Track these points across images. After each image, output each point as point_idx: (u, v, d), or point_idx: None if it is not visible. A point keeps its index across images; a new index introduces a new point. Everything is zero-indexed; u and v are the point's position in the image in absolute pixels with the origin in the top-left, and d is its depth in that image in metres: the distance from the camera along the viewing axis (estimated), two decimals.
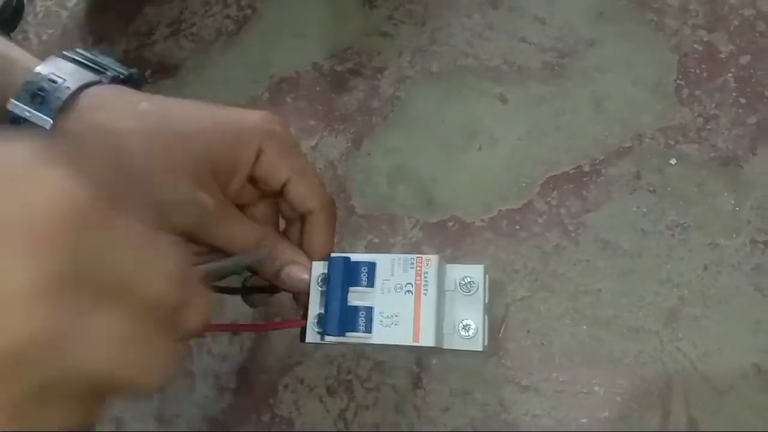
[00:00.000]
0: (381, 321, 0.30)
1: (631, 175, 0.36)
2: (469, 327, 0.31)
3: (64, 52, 0.32)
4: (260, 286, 0.35)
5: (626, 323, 0.33)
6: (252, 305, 0.36)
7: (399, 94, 0.41)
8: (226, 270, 0.32)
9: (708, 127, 0.36)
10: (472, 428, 0.33)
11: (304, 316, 0.33)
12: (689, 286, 0.33)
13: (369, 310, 0.30)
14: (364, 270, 0.31)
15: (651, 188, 0.35)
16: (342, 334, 0.30)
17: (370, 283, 0.31)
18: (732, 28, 0.37)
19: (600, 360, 0.33)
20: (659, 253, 0.34)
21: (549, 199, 0.36)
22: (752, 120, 0.35)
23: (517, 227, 0.36)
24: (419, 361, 0.35)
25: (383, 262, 0.31)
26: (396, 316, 0.30)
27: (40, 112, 0.30)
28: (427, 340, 0.29)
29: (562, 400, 0.33)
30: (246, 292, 0.38)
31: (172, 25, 0.47)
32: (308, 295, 0.32)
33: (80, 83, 0.30)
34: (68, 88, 0.30)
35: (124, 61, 0.34)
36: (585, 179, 0.36)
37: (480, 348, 0.31)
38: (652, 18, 0.39)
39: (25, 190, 0.16)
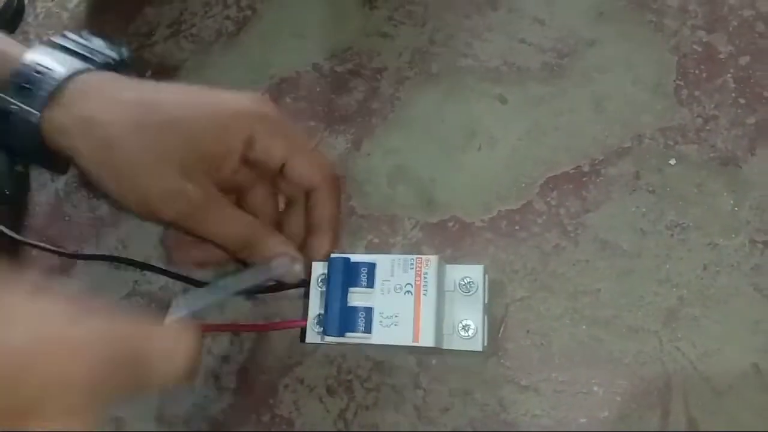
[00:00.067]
0: (381, 321, 0.30)
1: (630, 175, 0.36)
2: (468, 327, 0.31)
3: (53, 39, 0.32)
4: (263, 286, 0.35)
5: (625, 323, 0.33)
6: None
7: (399, 94, 0.41)
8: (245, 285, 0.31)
9: (707, 127, 0.36)
10: (472, 428, 0.33)
11: (305, 316, 0.33)
12: (688, 286, 0.33)
13: (369, 311, 0.30)
14: (363, 270, 0.31)
15: (650, 188, 0.35)
16: (342, 334, 0.30)
17: (370, 284, 0.31)
18: (731, 28, 0.37)
19: (599, 360, 0.33)
20: (658, 253, 0.34)
21: (548, 199, 0.36)
22: (751, 120, 0.36)
23: (517, 227, 0.36)
24: (419, 361, 0.35)
25: (383, 262, 0.31)
26: (396, 316, 0.30)
27: (27, 105, 0.29)
28: (426, 340, 0.30)
29: (562, 400, 0.33)
30: (247, 292, 0.38)
31: (172, 26, 0.47)
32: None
33: (67, 73, 0.30)
34: (54, 79, 0.29)
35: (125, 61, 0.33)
36: (584, 179, 0.36)
37: (479, 348, 0.31)
38: (651, 18, 0.39)
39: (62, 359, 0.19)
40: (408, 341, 0.30)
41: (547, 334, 0.34)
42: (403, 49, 0.42)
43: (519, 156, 0.38)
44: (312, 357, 0.37)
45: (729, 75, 0.37)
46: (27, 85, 0.29)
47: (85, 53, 0.32)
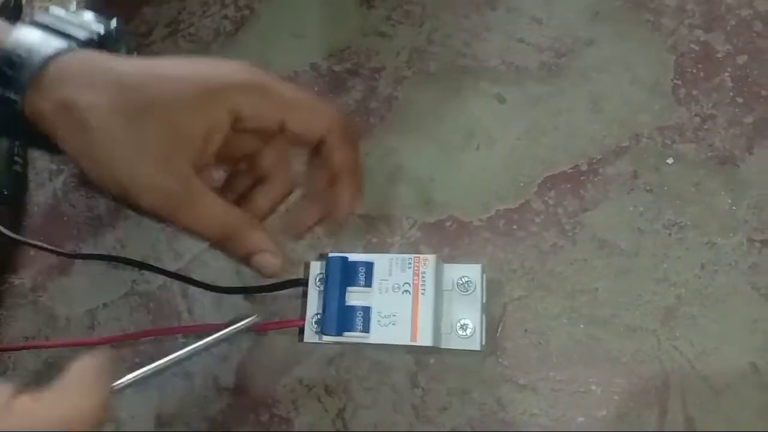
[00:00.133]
0: (379, 321, 0.30)
1: (628, 174, 0.36)
2: (466, 326, 0.31)
3: (36, 18, 0.31)
4: (260, 285, 0.35)
5: (623, 322, 0.33)
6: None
7: (397, 94, 0.41)
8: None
9: (705, 126, 0.36)
10: (470, 427, 0.33)
11: (303, 316, 0.33)
12: (686, 285, 0.33)
13: (367, 310, 0.30)
14: (361, 270, 0.31)
15: (648, 187, 0.35)
16: (340, 334, 0.30)
17: (368, 283, 0.31)
18: (729, 28, 0.37)
19: (597, 359, 0.33)
20: (656, 252, 0.34)
21: (546, 198, 0.36)
22: (749, 119, 0.36)
23: (515, 227, 0.36)
24: (417, 361, 0.35)
25: (381, 261, 0.31)
26: (393, 315, 0.30)
27: (8, 91, 0.29)
28: (424, 339, 0.30)
29: (560, 399, 0.33)
30: (246, 291, 0.38)
31: (170, 26, 0.47)
32: None
33: (47, 54, 0.29)
34: (34, 62, 0.29)
35: None
36: (582, 178, 0.36)
37: (477, 347, 0.31)
38: (648, 18, 0.39)
39: None
40: (406, 340, 0.30)
41: (545, 333, 0.34)
42: (401, 48, 0.42)
43: (517, 155, 0.38)
44: (310, 357, 0.37)
45: (726, 74, 0.37)
46: (7, 72, 0.29)
47: (69, 31, 0.31)
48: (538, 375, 0.33)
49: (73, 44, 0.30)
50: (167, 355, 0.30)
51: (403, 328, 0.30)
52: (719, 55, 0.37)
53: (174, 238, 0.41)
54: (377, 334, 0.30)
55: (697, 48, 0.37)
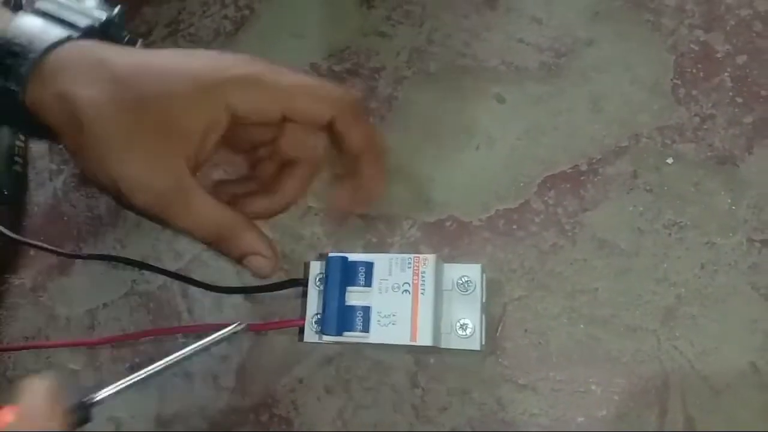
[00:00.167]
0: (378, 321, 0.30)
1: (628, 174, 0.36)
2: (466, 326, 0.31)
3: (37, 5, 0.30)
4: (260, 285, 0.35)
5: (623, 322, 0.33)
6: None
7: (397, 94, 0.41)
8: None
9: (704, 126, 0.36)
10: (470, 427, 0.33)
11: (302, 316, 0.33)
12: (686, 284, 0.33)
13: (366, 310, 0.30)
14: (361, 270, 0.31)
15: (648, 187, 0.35)
16: (339, 333, 0.30)
17: (368, 283, 0.31)
18: (728, 28, 0.37)
19: (597, 359, 0.33)
20: (656, 252, 0.34)
21: (546, 198, 0.36)
22: (748, 119, 0.36)
23: (515, 227, 0.36)
24: (417, 361, 0.35)
25: (381, 261, 0.31)
26: (393, 315, 0.30)
27: (9, 82, 0.28)
28: (424, 339, 0.30)
29: (560, 399, 0.33)
30: (246, 291, 0.38)
31: (170, 26, 0.47)
32: None
33: (46, 45, 0.29)
34: (33, 52, 0.28)
35: None
36: (582, 178, 0.36)
37: (477, 347, 0.31)
38: (648, 18, 0.39)
39: None
40: (406, 340, 0.30)
41: (545, 333, 0.34)
42: (401, 48, 0.42)
43: (517, 155, 0.38)
44: (310, 356, 0.37)
45: (726, 74, 0.37)
46: (6, 62, 0.29)
47: (70, 18, 0.30)
48: (538, 375, 0.33)
49: (75, 32, 0.30)
50: (151, 364, 0.30)
51: (403, 327, 0.30)
52: (719, 55, 0.37)
53: (174, 238, 0.41)
54: (377, 334, 0.30)
55: (696, 48, 0.37)
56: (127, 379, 0.30)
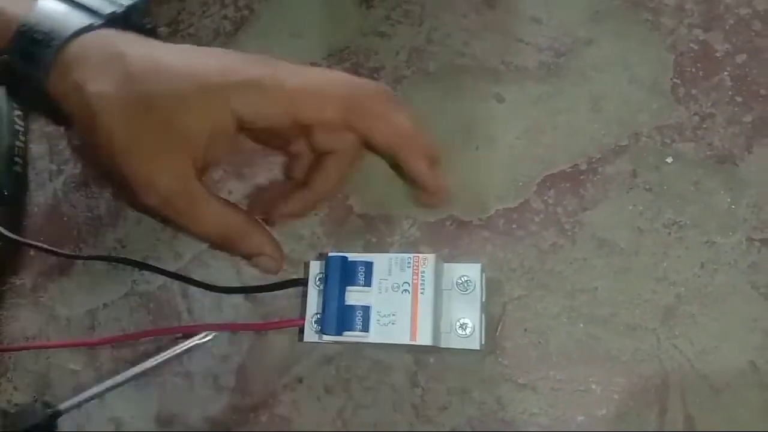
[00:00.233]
0: (378, 320, 0.30)
1: (627, 173, 0.36)
2: (466, 326, 0.31)
3: None
4: (260, 285, 0.35)
5: (623, 321, 0.33)
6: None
7: (396, 93, 0.41)
8: None
9: (704, 125, 0.36)
10: (470, 427, 0.34)
11: (302, 316, 0.33)
12: (686, 284, 0.33)
13: (366, 310, 0.30)
14: (361, 269, 0.31)
15: (647, 186, 0.35)
16: (339, 333, 0.30)
17: (368, 283, 0.31)
18: (728, 27, 0.37)
19: (597, 358, 0.33)
20: (656, 251, 0.34)
21: (546, 197, 0.36)
22: (748, 118, 0.36)
23: (514, 226, 0.36)
24: (417, 360, 0.35)
25: (380, 261, 0.31)
26: (393, 315, 0.30)
27: (32, 69, 0.28)
28: (424, 339, 0.30)
29: (560, 399, 0.33)
30: (246, 291, 0.38)
31: (170, 26, 0.47)
32: None
33: (69, 32, 0.28)
34: (55, 41, 0.28)
35: None
36: (582, 178, 0.36)
37: (477, 347, 0.31)
38: (647, 17, 0.39)
39: None
40: (405, 340, 0.30)
41: (545, 333, 0.34)
42: (400, 48, 0.42)
43: (516, 155, 0.38)
44: (310, 356, 0.37)
45: (726, 73, 0.37)
46: (30, 49, 0.28)
47: (92, 4, 0.30)
48: (538, 374, 0.33)
49: (97, 20, 0.30)
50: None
51: (403, 327, 0.30)
52: (718, 54, 0.37)
53: (174, 238, 0.41)
54: (377, 334, 0.30)
55: (696, 47, 0.37)
56: (89, 392, 0.30)
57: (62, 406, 0.29)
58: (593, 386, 0.33)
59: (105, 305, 0.41)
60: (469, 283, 0.32)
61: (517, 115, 0.38)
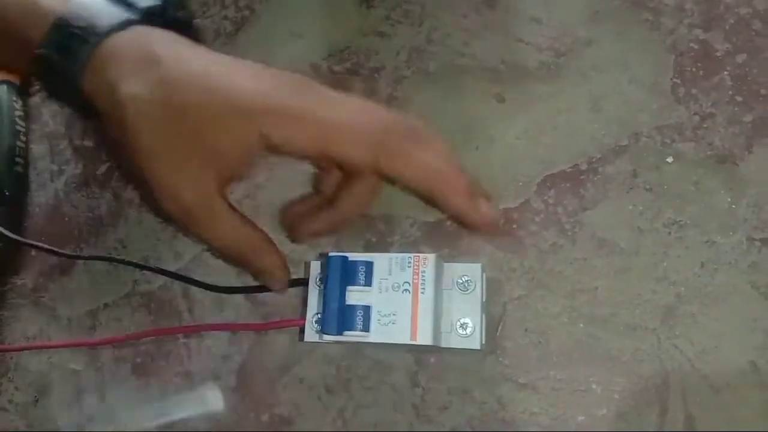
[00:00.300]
0: (379, 320, 0.30)
1: (627, 173, 0.36)
2: (466, 325, 0.31)
3: None
4: (260, 285, 0.35)
5: (623, 321, 0.33)
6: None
7: (396, 93, 0.41)
8: None
9: (704, 125, 0.36)
10: (471, 427, 0.34)
11: (303, 315, 0.33)
12: (686, 283, 0.33)
13: (367, 309, 0.31)
14: (361, 269, 0.31)
15: (647, 186, 0.35)
16: (340, 333, 0.30)
17: (368, 282, 0.31)
18: (728, 26, 0.37)
19: (597, 358, 0.33)
20: (656, 251, 0.34)
21: (546, 197, 0.36)
22: (748, 118, 0.36)
23: (515, 226, 0.36)
24: (417, 360, 0.35)
25: (381, 261, 0.31)
26: (393, 314, 0.30)
27: (69, 64, 0.28)
28: (424, 338, 0.30)
29: (560, 398, 0.33)
30: (246, 291, 0.38)
31: None
32: None
33: (106, 28, 0.28)
34: (93, 36, 0.28)
35: None
36: (582, 178, 0.36)
37: (477, 346, 0.31)
38: (647, 17, 0.39)
39: None
40: (406, 339, 0.30)
41: (545, 333, 0.34)
42: (400, 48, 0.42)
43: (516, 155, 0.38)
44: (311, 356, 0.37)
45: (726, 73, 0.37)
46: (67, 44, 0.28)
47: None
48: (538, 374, 0.33)
49: (134, 14, 0.29)
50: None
51: (403, 327, 0.30)
52: (718, 54, 0.37)
53: (174, 238, 0.41)
54: (377, 334, 0.30)
55: (696, 47, 0.37)
56: None
57: None
58: (594, 386, 0.33)
59: (106, 305, 0.41)
60: (470, 283, 0.32)
61: (517, 115, 0.39)
